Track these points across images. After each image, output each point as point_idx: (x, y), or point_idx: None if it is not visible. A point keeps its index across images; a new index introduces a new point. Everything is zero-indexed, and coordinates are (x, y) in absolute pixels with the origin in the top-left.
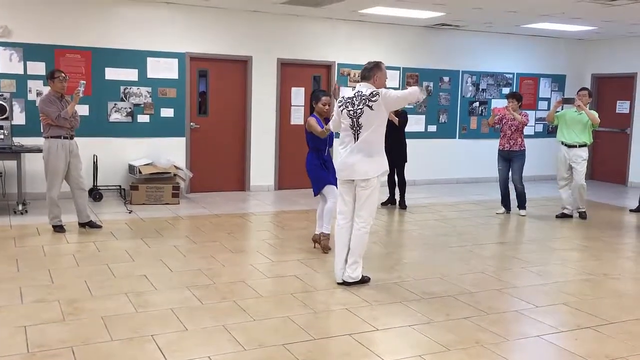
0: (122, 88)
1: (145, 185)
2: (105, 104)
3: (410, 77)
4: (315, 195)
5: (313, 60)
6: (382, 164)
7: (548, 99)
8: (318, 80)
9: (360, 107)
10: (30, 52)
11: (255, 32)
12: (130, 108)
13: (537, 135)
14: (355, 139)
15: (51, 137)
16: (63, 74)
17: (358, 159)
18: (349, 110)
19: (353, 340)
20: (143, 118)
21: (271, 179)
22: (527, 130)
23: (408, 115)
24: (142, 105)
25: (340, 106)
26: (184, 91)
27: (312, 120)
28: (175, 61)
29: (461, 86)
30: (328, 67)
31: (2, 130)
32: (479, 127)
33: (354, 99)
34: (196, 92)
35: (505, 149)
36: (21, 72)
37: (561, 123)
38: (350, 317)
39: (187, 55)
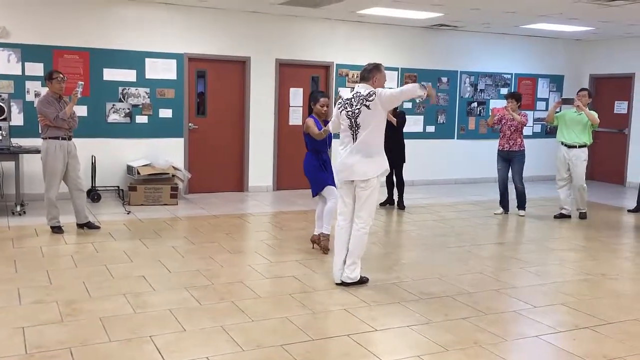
0: (120, 89)
1: (143, 186)
2: (103, 105)
3: (409, 77)
4: (313, 196)
5: (311, 61)
6: (381, 164)
7: (546, 99)
8: (316, 81)
9: (358, 107)
10: (28, 52)
11: (254, 32)
12: (128, 109)
13: (535, 135)
14: (354, 139)
15: (49, 138)
16: (61, 75)
17: (357, 160)
18: (347, 111)
19: (351, 341)
20: (141, 119)
21: (270, 180)
22: (526, 131)
23: (406, 116)
24: (141, 106)
25: (339, 108)
26: (183, 92)
27: (310, 122)
28: (174, 62)
29: (459, 86)
30: (326, 67)
31: (0, 131)
32: (477, 128)
33: (353, 99)
34: (194, 93)
35: (505, 149)
36: (19, 72)
37: (561, 123)
38: (349, 318)
39: (185, 55)
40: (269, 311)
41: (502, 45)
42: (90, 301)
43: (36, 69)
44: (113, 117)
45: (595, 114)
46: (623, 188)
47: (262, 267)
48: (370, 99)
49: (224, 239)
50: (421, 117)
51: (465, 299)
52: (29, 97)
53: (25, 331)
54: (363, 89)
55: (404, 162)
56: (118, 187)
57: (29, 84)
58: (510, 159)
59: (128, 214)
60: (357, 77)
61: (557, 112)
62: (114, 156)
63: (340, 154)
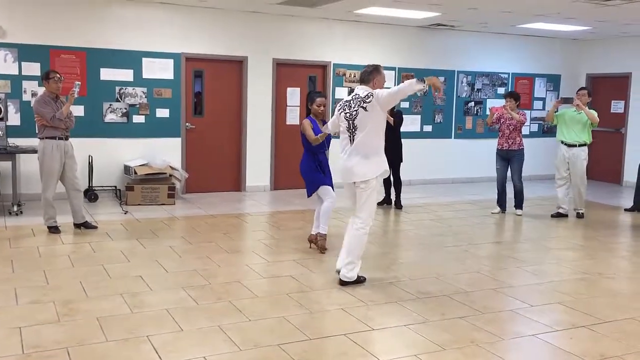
0: (117, 88)
1: (140, 186)
2: (100, 105)
3: (406, 77)
4: (308, 196)
5: (309, 61)
6: (380, 165)
7: (543, 99)
8: (314, 81)
9: (356, 109)
10: (25, 52)
11: (251, 32)
12: (125, 108)
13: (532, 135)
14: (351, 141)
15: (46, 137)
16: (58, 75)
17: (356, 162)
18: (345, 113)
19: (349, 340)
20: (138, 118)
21: (267, 180)
22: (523, 130)
23: (403, 115)
24: (138, 106)
25: (339, 109)
26: (180, 92)
27: (306, 124)
28: (171, 61)
29: (456, 86)
30: (324, 67)
31: None
32: (475, 127)
33: (351, 101)
34: (192, 93)
35: (504, 149)
36: (16, 72)
37: (561, 123)
38: (346, 317)
39: (182, 55)
40: (266, 311)
41: (499, 44)
42: (87, 301)
43: (33, 68)
44: (110, 117)
45: (594, 113)
46: (620, 187)
47: (260, 267)
48: (368, 100)
49: (222, 239)
50: (418, 117)
51: (462, 298)
52: (26, 97)
53: (22, 331)
54: (362, 90)
55: (401, 161)
56: (115, 187)
57: (25, 84)
58: (510, 158)
59: (125, 213)
60: (354, 76)
61: (557, 111)
62: (111, 156)
63: (340, 157)
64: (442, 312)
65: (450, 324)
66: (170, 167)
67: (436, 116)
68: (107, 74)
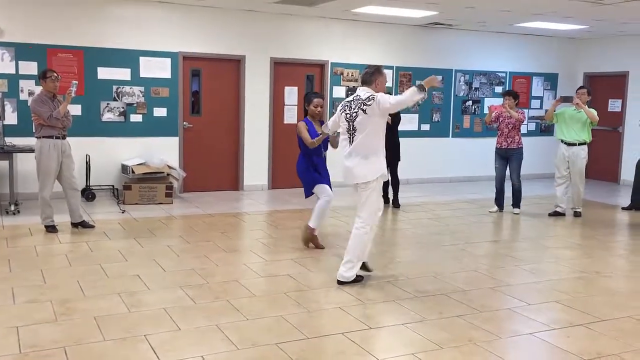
0: (114, 87)
1: (138, 185)
2: (97, 104)
3: (404, 76)
4: (306, 197)
5: (306, 60)
6: (378, 168)
7: (541, 98)
8: (311, 80)
9: (356, 110)
10: (22, 51)
11: (249, 31)
12: (122, 108)
13: (530, 133)
14: (350, 142)
15: (43, 137)
16: (55, 74)
17: (355, 163)
18: (346, 114)
19: (346, 339)
20: (136, 118)
21: (265, 179)
22: (521, 129)
23: (401, 115)
24: (135, 105)
25: (341, 109)
26: (177, 91)
27: (302, 126)
28: (168, 60)
29: (454, 85)
30: (321, 66)
31: None
32: (472, 126)
33: (352, 102)
34: (189, 92)
35: (503, 147)
36: (13, 71)
37: (560, 121)
38: (344, 316)
39: (180, 54)
40: (264, 310)
41: (496, 43)
42: (84, 300)
43: (30, 67)
44: (107, 116)
45: (594, 112)
46: (617, 186)
47: (257, 266)
48: (369, 103)
49: (219, 238)
50: (416, 116)
51: (459, 297)
52: (23, 96)
53: (19, 330)
54: (363, 92)
55: (399, 160)
56: (113, 186)
57: (22, 83)
58: (508, 157)
59: (123, 213)
60: (352, 75)
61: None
62: (109, 155)
63: (343, 158)
64: (440, 310)
65: (448, 323)
66: (168, 166)
67: (434, 115)
68: (104, 73)
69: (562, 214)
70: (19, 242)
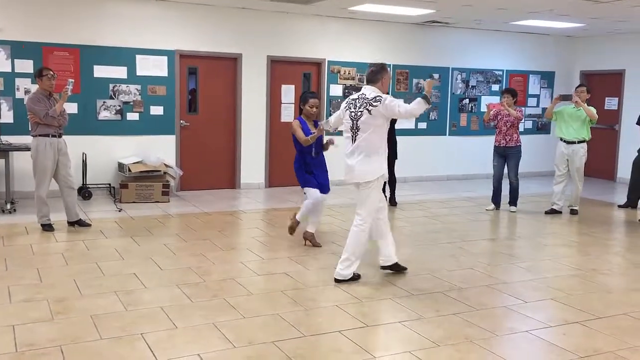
0: (111, 86)
1: (134, 184)
2: (94, 102)
3: (400, 74)
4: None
5: (303, 58)
6: (379, 168)
7: (537, 96)
8: (308, 78)
9: (361, 110)
10: (18, 49)
11: (245, 29)
12: (119, 106)
13: (526, 132)
14: (352, 140)
15: (39, 135)
16: (51, 72)
17: (357, 162)
18: (350, 112)
19: (343, 337)
20: (132, 116)
21: (261, 177)
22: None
23: None
24: (132, 103)
25: (346, 106)
26: (174, 89)
27: (296, 125)
28: (165, 59)
29: (451, 83)
30: (318, 64)
31: None
32: (469, 124)
33: (357, 101)
34: (186, 90)
35: (502, 145)
36: (9, 70)
37: (559, 119)
38: (340, 314)
39: (176, 52)
40: (260, 308)
41: (493, 41)
42: (81, 299)
43: (26, 66)
44: (104, 115)
45: (593, 110)
46: (613, 184)
47: (254, 264)
48: (375, 104)
49: (216, 236)
50: None
51: (456, 295)
52: (19, 95)
53: (15, 329)
54: (369, 91)
55: (396, 158)
56: (109, 184)
57: (18, 81)
58: (507, 155)
59: (119, 211)
60: (348, 73)
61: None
62: (105, 153)
63: (345, 156)
64: (437, 308)
65: (445, 321)
66: (165, 164)
67: (431, 113)
68: (100, 71)
69: (559, 212)
70: (15, 241)
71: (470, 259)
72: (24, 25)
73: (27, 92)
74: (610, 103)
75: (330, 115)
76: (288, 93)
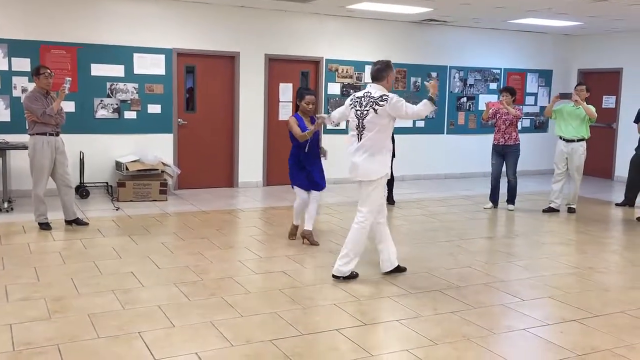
0: (108, 84)
1: (132, 182)
2: (91, 101)
3: (398, 72)
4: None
5: (301, 56)
6: (383, 167)
7: (535, 94)
8: (306, 76)
9: (367, 108)
10: (15, 48)
11: (243, 27)
12: (116, 104)
13: (524, 130)
14: (358, 139)
15: (36, 134)
16: (48, 71)
17: (362, 160)
18: (356, 110)
19: (341, 336)
20: (130, 114)
21: (259, 175)
22: None
23: None
24: (129, 102)
25: (350, 103)
26: (171, 87)
27: (292, 121)
28: (162, 57)
29: (449, 81)
30: (316, 62)
31: None
32: (467, 123)
33: (362, 99)
34: (183, 88)
35: (500, 144)
36: (6, 68)
37: (559, 118)
38: (338, 313)
39: (174, 51)
40: (258, 306)
41: (491, 40)
42: (78, 297)
43: (23, 64)
44: (101, 113)
45: (592, 108)
46: (611, 182)
47: (252, 263)
48: (381, 103)
49: (214, 235)
50: None
51: (454, 293)
52: (16, 93)
53: (12, 328)
54: (374, 89)
55: (394, 157)
56: (107, 183)
57: (15, 80)
58: (505, 153)
59: (117, 210)
60: (346, 72)
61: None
62: (103, 152)
63: (349, 152)
64: (434, 307)
65: (442, 319)
66: (162, 163)
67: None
68: (98, 69)
69: (557, 210)
70: (12, 240)
71: (468, 257)
72: (22, 23)
73: (24, 90)
74: (608, 101)
75: (328, 112)
76: (286, 91)
